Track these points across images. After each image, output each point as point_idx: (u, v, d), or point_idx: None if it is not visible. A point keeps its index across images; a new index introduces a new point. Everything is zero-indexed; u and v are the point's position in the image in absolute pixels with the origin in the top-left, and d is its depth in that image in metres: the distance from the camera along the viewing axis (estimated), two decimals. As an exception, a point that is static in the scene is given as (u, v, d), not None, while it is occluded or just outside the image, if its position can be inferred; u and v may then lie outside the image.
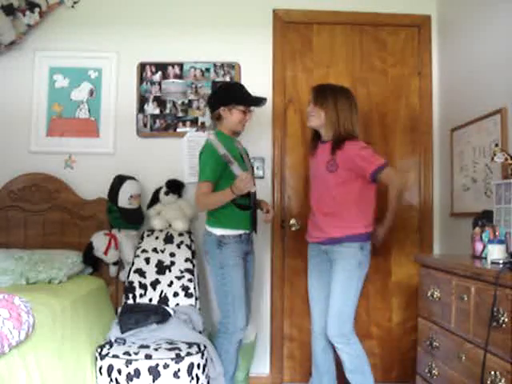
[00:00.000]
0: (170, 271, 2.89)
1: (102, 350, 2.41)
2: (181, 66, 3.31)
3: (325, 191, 2.57)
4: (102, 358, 2.37)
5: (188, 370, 2.35)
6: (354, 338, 2.51)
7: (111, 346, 2.44)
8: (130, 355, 2.34)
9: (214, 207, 2.59)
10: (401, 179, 2.58)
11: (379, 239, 2.61)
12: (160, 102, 3.30)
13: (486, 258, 2.06)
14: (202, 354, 2.45)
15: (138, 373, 2.30)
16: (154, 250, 2.96)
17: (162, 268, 2.90)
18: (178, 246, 2.98)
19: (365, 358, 2.52)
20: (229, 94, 2.68)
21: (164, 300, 2.82)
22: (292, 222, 3.29)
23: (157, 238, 3.02)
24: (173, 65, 3.31)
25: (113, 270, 3.09)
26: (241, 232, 2.63)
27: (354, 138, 2.54)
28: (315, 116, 2.58)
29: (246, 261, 2.72)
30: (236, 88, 2.76)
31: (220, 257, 2.58)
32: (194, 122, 3.30)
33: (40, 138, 3.25)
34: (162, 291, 2.84)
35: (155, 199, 3.15)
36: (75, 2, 3.28)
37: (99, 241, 2.99)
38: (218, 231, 2.61)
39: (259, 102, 2.72)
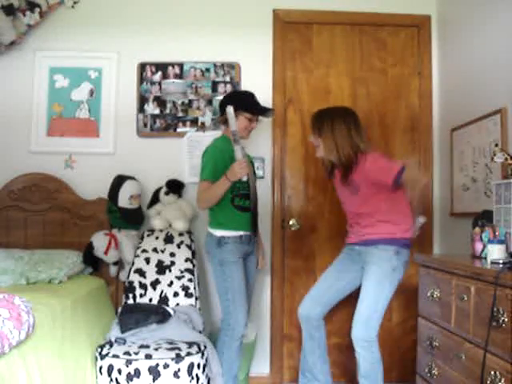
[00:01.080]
0: (170, 271, 2.89)
1: (102, 350, 2.41)
2: (181, 66, 3.31)
3: (357, 209, 2.54)
4: (102, 358, 2.37)
5: (188, 370, 2.35)
6: (376, 344, 2.47)
7: (111, 345, 2.44)
8: (130, 355, 2.34)
9: (214, 201, 2.60)
10: (420, 179, 2.53)
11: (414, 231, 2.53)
12: (160, 102, 3.30)
13: (485, 258, 2.06)
14: (202, 354, 2.45)
15: (138, 373, 2.30)
16: (154, 249, 2.96)
17: (162, 268, 2.90)
18: (178, 246, 2.98)
19: (380, 366, 2.48)
20: (237, 100, 2.70)
21: (164, 300, 2.82)
22: (292, 222, 3.29)
23: (157, 237, 3.02)
24: (173, 65, 3.31)
25: (113, 269, 3.09)
26: (241, 233, 2.65)
27: (364, 153, 2.47)
28: (319, 147, 2.54)
29: (247, 261, 2.73)
30: (245, 96, 2.80)
31: (220, 255, 2.61)
32: (194, 122, 3.30)
33: (40, 138, 3.25)
34: (162, 291, 2.84)
35: (155, 199, 3.15)
36: (75, 2, 3.28)
37: (99, 241, 2.99)
38: (218, 232, 2.64)
39: (265, 111, 2.76)
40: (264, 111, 2.77)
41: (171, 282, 2.86)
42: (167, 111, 3.30)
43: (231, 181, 2.53)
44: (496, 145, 2.50)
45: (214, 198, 2.60)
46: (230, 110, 2.51)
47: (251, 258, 2.79)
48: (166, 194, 3.11)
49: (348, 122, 2.51)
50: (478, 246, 2.20)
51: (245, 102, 2.70)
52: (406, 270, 2.54)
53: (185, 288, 2.85)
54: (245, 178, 2.57)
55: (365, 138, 2.54)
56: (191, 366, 2.36)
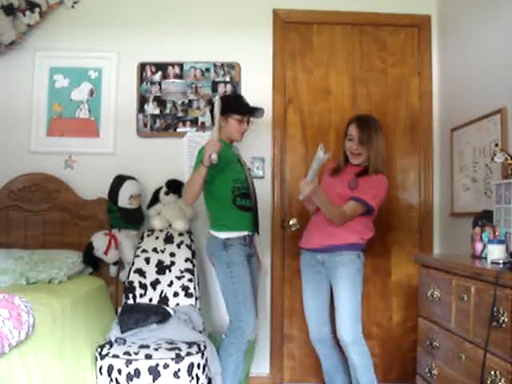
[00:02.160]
0: (170, 271, 2.89)
1: (102, 350, 2.41)
2: (181, 66, 3.31)
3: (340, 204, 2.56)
4: (102, 358, 2.37)
5: (188, 370, 2.35)
6: (364, 339, 2.55)
7: (111, 345, 2.44)
8: (130, 355, 2.34)
9: (195, 188, 2.52)
10: (337, 218, 2.51)
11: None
12: (160, 101, 3.30)
13: (486, 258, 2.06)
14: (202, 354, 2.45)
15: (138, 373, 2.30)
16: (154, 249, 2.96)
17: (162, 268, 2.90)
18: (178, 246, 2.98)
19: (371, 359, 2.56)
20: (225, 104, 2.66)
21: (164, 300, 2.82)
22: (292, 222, 3.29)
23: (157, 237, 3.02)
24: (173, 65, 3.31)
25: (113, 269, 3.09)
26: (245, 233, 2.64)
27: (383, 173, 2.61)
28: (362, 155, 2.60)
29: (250, 262, 2.71)
30: (233, 98, 2.84)
31: (226, 257, 2.59)
32: (194, 121, 3.30)
33: (40, 138, 3.25)
34: (162, 291, 2.84)
35: (155, 199, 3.15)
36: (75, 2, 3.28)
37: (99, 241, 2.99)
38: (223, 234, 2.62)
39: (254, 111, 2.73)
40: (253, 111, 2.73)
41: (171, 282, 2.86)
42: (167, 111, 3.30)
43: (205, 165, 2.43)
44: (496, 145, 2.49)
45: (194, 186, 2.51)
46: (216, 99, 2.51)
47: (253, 260, 2.78)
48: (166, 194, 3.11)
49: (383, 133, 2.64)
50: (478, 246, 2.20)
51: (233, 105, 2.69)
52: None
53: (185, 288, 2.85)
54: (213, 156, 2.41)
55: None
56: (191, 366, 2.36)
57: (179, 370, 2.33)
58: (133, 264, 2.93)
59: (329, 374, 2.76)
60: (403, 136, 3.37)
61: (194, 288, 2.86)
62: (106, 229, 3.09)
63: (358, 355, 2.52)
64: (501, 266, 1.83)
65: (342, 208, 2.52)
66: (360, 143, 2.58)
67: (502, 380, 1.65)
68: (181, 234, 3.04)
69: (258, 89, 3.17)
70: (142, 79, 3.30)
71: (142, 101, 3.29)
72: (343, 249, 2.55)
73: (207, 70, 3.30)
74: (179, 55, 3.31)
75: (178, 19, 3.32)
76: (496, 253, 1.95)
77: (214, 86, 3.30)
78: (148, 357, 2.33)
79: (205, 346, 2.51)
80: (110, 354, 2.37)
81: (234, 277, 2.57)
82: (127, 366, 2.31)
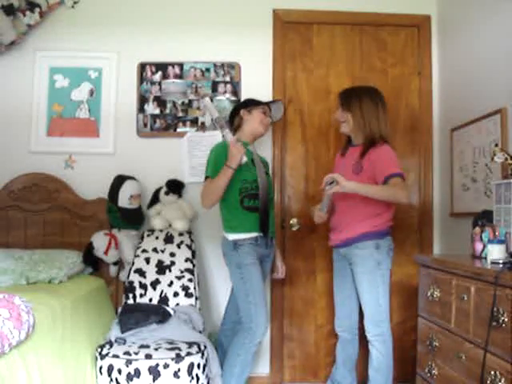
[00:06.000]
0: (170, 271, 2.89)
1: (102, 350, 2.41)
2: (181, 66, 3.31)
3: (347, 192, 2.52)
4: (102, 358, 2.37)
5: (188, 370, 2.35)
6: (390, 336, 2.55)
7: (111, 345, 2.44)
8: (130, 355, 2.34)
9: (217, 193, 2.55)
10: (406, 194, 2.44)
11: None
12: (160, 101, 3.30)
13: (485, 258, 2.06)
14: (202, 354, 2.45)
15: (138, 373, 2.30)
16: (154, 249, 2.96)
17: (162, 268, 2.90)
18: (178, 246, 2.98)
19: (391, 361, 2.55)
20: (247, 101, 2.83)
21: (164, 300, 2.82)
22: (292, 222, 3.29)
23: (157, 237, 3.02)
24: (173, 65, 3.31)
25: (113, 269, 3.09)
26: (255, 235, 2.62)
27: (383, 142, 2.52)
28: (345, 122, 2.63)
29: (262, 265, 2.68)
30: (251, 98, 2.91)
31: (236, 258, 2.58)
32: (194, 121, 3.30)
33: (40, 138, 3.25)
34: (162, 291, 2.84)
35: (155, 199, 3.15)
36: (75, 2, 3.28)
37: (99, 241, 2.99)
38: (231, 236, 2.62)
39: (273, 101, 2.88)
40: (271, 102, 2.85)
41: (171, 282, 2.86)
42: (167, 111, 3.30)
43: (232, 167, 2.49)
44: (496, 145, 2.49)
45: (218, 190, 2.54)
46: (206, 100, 2.54)
47: (267, 263, 2.76)
48: (166, 193, 3.11)
49: (375, 99, 2.59)
50: (478, 246, 2.20)
51: (252, 99, 2.80)
52: (392, 258, 2.60)
53: (185, 288, 2.85)
54: (244, 160, 2.51)
55: (388, 122, 2.62)
56: (191, 366, 2.36)
57: (179, 369, 2.33)
58: (133, 264, 2.93)
59: (337, 364, 2.79)
60: (403, 136, 3.37)
61: (194, 288, 2.86)
62: (106, 229, 3.09)
63: (378, 351, 2.52)
64: (501, 265, 1.83)
65: (391, 185, 2.41)
66: (342, 110, 2.61)
67: (502, 380, 1.65)
68: (181, 234, 3.04)
69: (258, 89, 3.17)
70: (141, 79, 3.30)
71: (142, 101, 3.29)
72: (357, 241, 2.52)
73: (207, 69, 3.30)
74: (179, 55, 3.31)
75: (178, 19, 3.32)
76: (496, 253, 1.96)
77: (214, 86, 3.30)
78: (148, 357, 2.33)
79: (205, 346, 2.51)
80: (110, 354, 2.37)
81: (244, 277, 2.55)
82: (127, 366, 2.31)
